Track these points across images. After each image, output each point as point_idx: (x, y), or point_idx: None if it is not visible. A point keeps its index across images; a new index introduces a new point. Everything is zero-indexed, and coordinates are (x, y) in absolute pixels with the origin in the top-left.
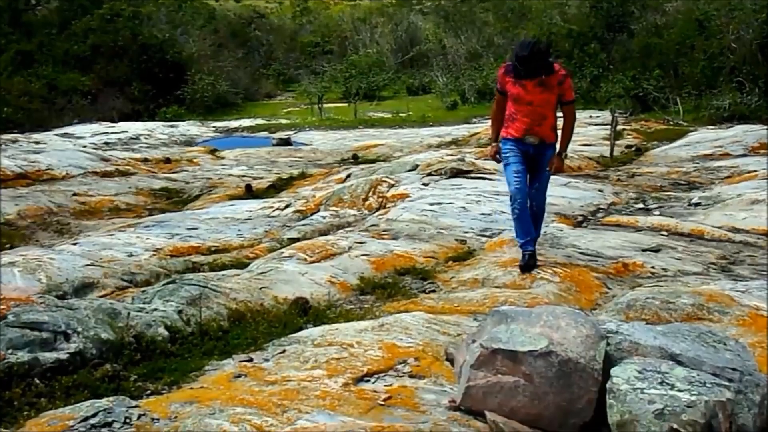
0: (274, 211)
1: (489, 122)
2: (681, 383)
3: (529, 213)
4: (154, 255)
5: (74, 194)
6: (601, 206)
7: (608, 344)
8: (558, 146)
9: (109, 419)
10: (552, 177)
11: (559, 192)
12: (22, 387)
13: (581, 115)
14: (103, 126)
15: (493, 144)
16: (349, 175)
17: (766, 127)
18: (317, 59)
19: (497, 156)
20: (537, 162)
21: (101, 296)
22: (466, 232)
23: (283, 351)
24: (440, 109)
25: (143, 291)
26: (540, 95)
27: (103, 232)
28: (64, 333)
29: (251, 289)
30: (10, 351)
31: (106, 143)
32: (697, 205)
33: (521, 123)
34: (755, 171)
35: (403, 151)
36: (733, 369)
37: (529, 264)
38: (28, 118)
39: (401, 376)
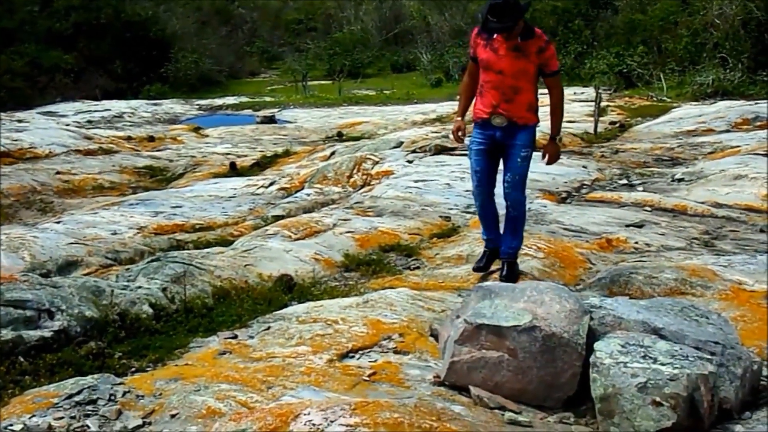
0: (258, 188)
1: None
2: (663, 357)
3: (493, 214)
4: (138, 233)
5: (57, 173)
6: (585, 182)
7: (592, 319)
8: (550, 130)
9: (94, 396)
10: (535, 154)
11: (543, 168)
12: (7, 365)
13: (565, 92)
14: (86, 104)
15: (457, 119)
16: (333, 153)
17: (748, 102)
18: (301, 37)
19: (459, 133)
20: (506, 149)
21: (85, 274)
22: (451, 209)
23: (268, 328)
24: (424, 86)
25: (127, 269)
26: (514, 62)
27: (86, 210)
28: (48, 311)
29: (236, 266)
30: None
31: (90, 121)
32: (680, 180)
33: (488, 97)
34: (738, 146)
35: (387, 128)
36: (716, 342)
37: (483, 267)
38: (10, 97)
39: (386, 352)
